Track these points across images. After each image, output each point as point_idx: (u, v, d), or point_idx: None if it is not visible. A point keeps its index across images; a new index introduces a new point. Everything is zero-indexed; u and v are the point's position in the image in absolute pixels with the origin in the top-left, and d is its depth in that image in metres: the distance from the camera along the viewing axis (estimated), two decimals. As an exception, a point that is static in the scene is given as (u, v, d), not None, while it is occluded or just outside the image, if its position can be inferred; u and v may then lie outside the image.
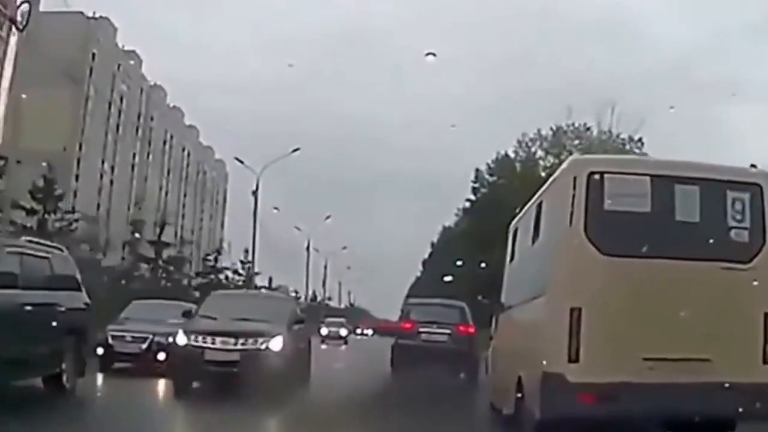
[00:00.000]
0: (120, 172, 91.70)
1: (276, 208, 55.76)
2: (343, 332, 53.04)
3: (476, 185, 52.48)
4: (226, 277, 53.28)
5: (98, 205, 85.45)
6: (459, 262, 55.64)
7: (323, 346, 39.71)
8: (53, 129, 77.44)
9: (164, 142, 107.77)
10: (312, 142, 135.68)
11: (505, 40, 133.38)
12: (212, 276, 50.33)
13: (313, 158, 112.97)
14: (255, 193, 47.55)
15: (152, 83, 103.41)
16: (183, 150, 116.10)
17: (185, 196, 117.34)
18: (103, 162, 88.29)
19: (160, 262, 44.32)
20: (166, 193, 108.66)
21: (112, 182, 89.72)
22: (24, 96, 77.67)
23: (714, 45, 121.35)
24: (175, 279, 45.63)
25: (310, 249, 73.73)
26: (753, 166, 8.84)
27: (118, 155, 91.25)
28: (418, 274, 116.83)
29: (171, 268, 45.48)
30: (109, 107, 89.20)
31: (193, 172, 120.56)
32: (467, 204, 53.64)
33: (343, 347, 46.64)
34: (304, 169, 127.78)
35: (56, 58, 75.85)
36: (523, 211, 11.32)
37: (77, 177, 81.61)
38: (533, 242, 10.12)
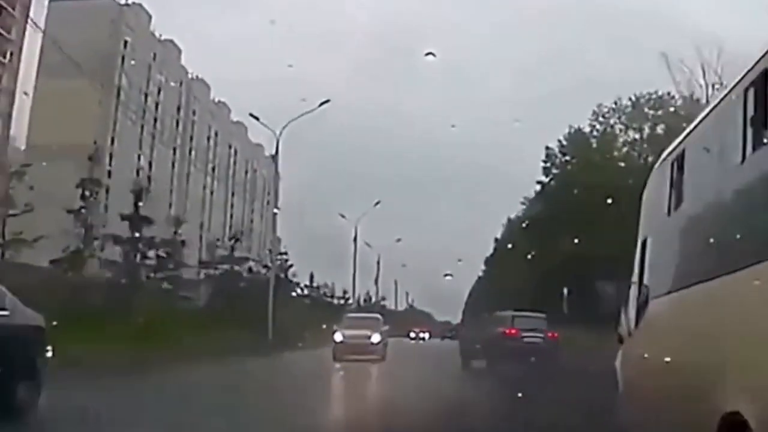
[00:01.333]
0: (158, 169, 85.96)
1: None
2: (376, 338, 31.84)
3: (547, 165, 45.01)
4: (250, 270, 48.04)
5: (135, 205, 79.78)
6: (528, 254, 48.15)
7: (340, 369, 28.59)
8: (82, 122, 72.03)
9: (208, 138, 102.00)
10: (362, 132, 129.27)
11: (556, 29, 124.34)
12: (226, 266, 44.65)
13: (363, 149, 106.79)
14: (275, 156, 43.73)
15: (193, 76, 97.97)
16: (230, 147, 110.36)
17: (233, 195, 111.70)
18: (139, 157, 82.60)
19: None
20: (212, 193, 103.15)
21: (150, 179, 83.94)
22: (51, 88, 72.27)
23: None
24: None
25: (358, 240, 66.28)
26: None
27: (156, 151, 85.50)
28: (480, 273, 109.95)
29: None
30: (145, 99, 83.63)
31: (241, 171, 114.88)
32: (538, 187, 46.15)
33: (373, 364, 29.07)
34: (354, 162, 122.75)
35: (85, 46, 70.30)
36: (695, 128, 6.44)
37: (110, 173, 76.00)
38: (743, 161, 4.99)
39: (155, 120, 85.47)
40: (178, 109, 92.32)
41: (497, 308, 66.63)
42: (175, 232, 42.34)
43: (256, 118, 43.41)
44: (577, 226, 40.83)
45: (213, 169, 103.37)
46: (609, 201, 43.00)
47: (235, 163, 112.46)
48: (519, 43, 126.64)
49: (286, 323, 41.83)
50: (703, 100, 39.91)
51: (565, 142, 44.66)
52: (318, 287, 70.61)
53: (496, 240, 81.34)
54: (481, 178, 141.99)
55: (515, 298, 50.41)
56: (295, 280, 67.00)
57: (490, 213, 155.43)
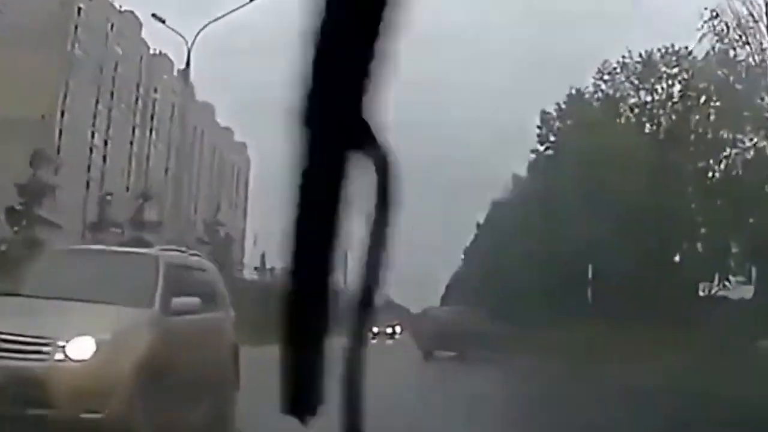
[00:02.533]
0: (114, 147, 79.66)
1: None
2: None
3: (542, 131, 39.46)
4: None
5: (87, 183, 73.70)
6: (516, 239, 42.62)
7: None
8: (28, 94, 65.74)
9: (171, 119, 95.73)
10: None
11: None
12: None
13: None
14: (185, 70, 35.06)
15: (155, 51, 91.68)
16: (195, 129, 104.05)
17: (199, 179, 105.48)
18: (93, 135, 76.26)
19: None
20: (174, 176, 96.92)
21: (105, 159, 77.71)
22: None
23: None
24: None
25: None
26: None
27: (113, 129, 79.19)
28: (460, 262, 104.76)
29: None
30: (101, 72, 77.28)
31: (208, 155, 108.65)
32: (532, 156, 40.54)
33: None
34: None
35: (35, 11, 64.11)
36: None
37: (59, 149, 69.74)
38: None
39: (111, 95, 79.14)
40: (138, 85, 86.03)
41: (480, 299, 61.35)
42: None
43: (161, 21, 33.76)
44: (578, 202, 35.49)
45: (177, 151, 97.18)
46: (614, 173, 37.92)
47: (201, 146, 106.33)
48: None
49: None
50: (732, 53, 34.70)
51: (563, 106, 39.27)
52: (272, 269, 65.03)
53: (478, 225, 75.88)
54: (459, 166, 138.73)
55: (505, 288, 45.20)
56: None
57: (469, 201, 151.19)
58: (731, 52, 34.44)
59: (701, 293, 36.89)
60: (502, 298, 40.23)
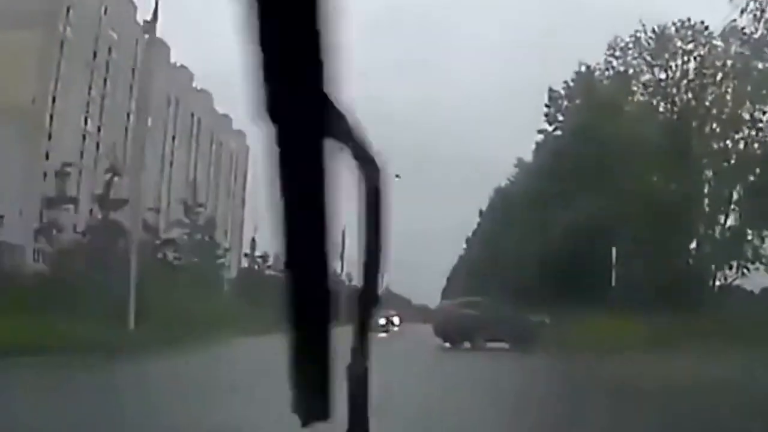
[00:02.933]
0: (108, 133, 77.65)
1: None
2: None
3: (550, 111, 37.50)
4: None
5: (80, 172, 71.75)
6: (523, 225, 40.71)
7: None
8: (18, 77, 63.85)
9: (167, 105, 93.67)
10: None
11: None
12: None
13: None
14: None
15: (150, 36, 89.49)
16: (192, 116, 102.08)
17: (196, 168, 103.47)
18: (86, 120, 74.29)
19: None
20: (171, 164, 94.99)
21: (98, 145, 75.74)
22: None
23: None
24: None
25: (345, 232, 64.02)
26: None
27: (106, 114, 77.18)
28: (462, 253, 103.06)
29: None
30: (94, 57, 75.25)
31: (205, 143, 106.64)
32: (539, 137, 38.53)
33: None
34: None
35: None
36: None
37: (50, 135, 67.91)
38: None
39: (105, 81, 77.09)
40: (133, 71, 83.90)
41: (485, 288, 59.53)
42: None
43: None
44: (588, 185, 33.70)
45: (173, 138, 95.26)
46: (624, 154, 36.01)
47: (198, 133, 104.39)
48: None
49: (178, 304, 29.51)
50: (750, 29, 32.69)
51: (572, 83, 37.31)
52: (262, 257, 62.38)
53: (481, 213, 74.06)
54: (459, 157, 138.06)
55: (514, 276, 43.35)
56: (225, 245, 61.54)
57: (472, 189, 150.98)
58: (750, 28, 32.52)
59: (718, 282, 35.13)
60: (511, 287, 38.48)
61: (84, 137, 72.49)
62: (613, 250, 34.55)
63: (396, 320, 61.17)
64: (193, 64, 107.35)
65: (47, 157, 67.18)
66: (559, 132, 37.41)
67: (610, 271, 33.58)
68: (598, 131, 34.79)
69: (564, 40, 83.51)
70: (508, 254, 42.77)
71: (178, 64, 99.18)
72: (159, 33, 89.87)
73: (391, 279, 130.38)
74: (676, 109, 35.74)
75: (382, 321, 53.97)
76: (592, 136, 34.58)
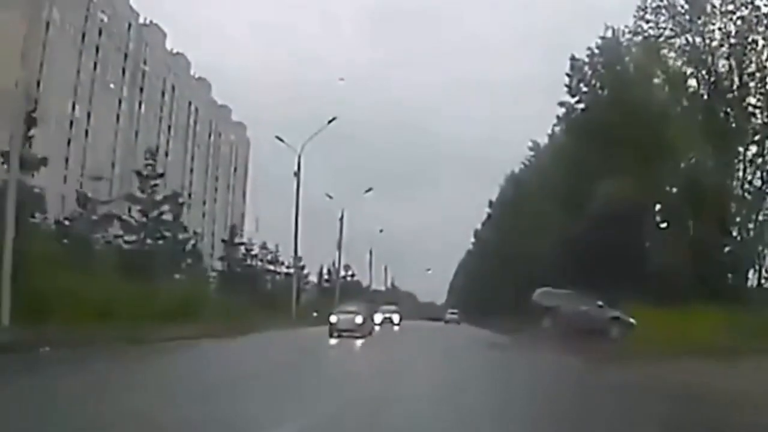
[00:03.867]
0: (99, 121, 73.88)
1: (329, 196, 56.94)
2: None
3: (572, 81, 33.46)
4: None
5: (66, 160, 68.06)
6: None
7: None
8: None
9: (163, 93, 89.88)
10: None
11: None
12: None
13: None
14: (297, 173, 42.67)
15: (145, 21, 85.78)
16: (189, 105, 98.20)
17: (193, 159, 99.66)
18: (74, 106, 70.50)
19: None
20: (167, 154, 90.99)
21: (87, 133, 72.01)
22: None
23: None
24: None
25: (344, 220, 59.38)
26: None
27: (96, 100, 73.39)
28: (470, 247, 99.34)
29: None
30: (83, 39, 71.46)
31: (203, 133, 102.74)
32: (561, 111, 34.45)
33: None
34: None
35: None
36: None
37: (34, 121, 64.03)
38: None
39: (95, 65, 73.30)
40: (126, 56, 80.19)
41: (497, 281, 55.52)
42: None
43: (281, 140, 43.31)
44: (616, 165, 29.77)
45: (169, 128, 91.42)
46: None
47: (195, 123, 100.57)
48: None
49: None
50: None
51: (596, 51, 33.31)
52: (265, 249, 57.47)
53: (491, 204, 70.18)
54: (472, 162, 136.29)
55: (528, 268, 39.52)
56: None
57: (481, 183, 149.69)
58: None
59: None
60: (532, 278, 34.55)
61: (71, 123, 68.69)
62: (647, 234, 30.73)
63: (395, 318, 52.96)
64: (192, 51, 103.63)
65: (30, 145, 63.45)
66: (582, 105, 33.44)
67: (644, 259, 29.68)
68: (627, 103, 30.90)
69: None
70: (523, 245, 38.90)
71: (174, 51, 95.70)
72: (155, 17, 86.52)
73: (397, 275, 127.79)
74: (713, 78, 31.73)
75: (378, 318, 47.96)
76: (621, 109, 30.67)
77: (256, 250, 54.22)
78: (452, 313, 79.11)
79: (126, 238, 35.37)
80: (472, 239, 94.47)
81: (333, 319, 33.07)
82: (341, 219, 58.00)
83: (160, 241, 35.74)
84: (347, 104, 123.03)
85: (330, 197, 57.95)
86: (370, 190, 58.07)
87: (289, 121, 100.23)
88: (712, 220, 30.70)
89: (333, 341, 28.00)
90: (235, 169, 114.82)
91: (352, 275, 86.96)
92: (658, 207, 31.59)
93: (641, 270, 29.13)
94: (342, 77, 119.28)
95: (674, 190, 30.74)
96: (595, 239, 29.15)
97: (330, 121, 39.22)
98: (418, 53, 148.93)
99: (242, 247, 52.60)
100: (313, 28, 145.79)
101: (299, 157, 39.03)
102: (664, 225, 30.93)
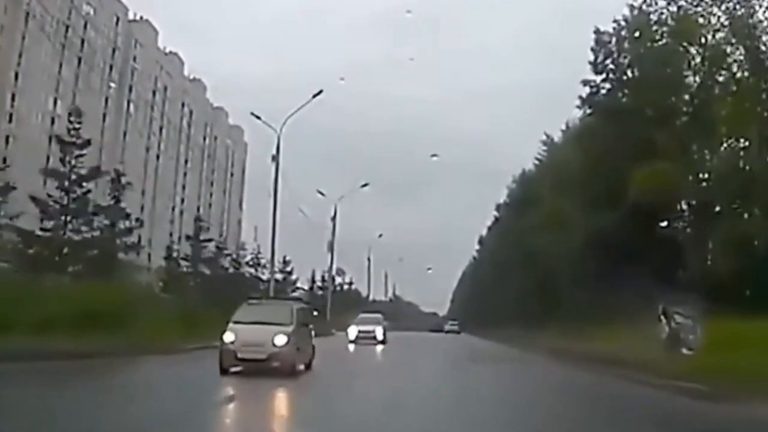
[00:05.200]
0: (83, 119, 69.69)
1: (321, 193, 51.30)
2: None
3: (597, 56, 29.35)
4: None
5: (48, 158, 63.89)
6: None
7: None
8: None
9: (154, 93, 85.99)
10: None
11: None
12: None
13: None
14: (276, 157, 34.35)
15: (135, 16, 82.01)
16: (183, 107, 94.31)
17: (186, 163, 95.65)
18: (55, 102, 66.49)
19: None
20: (158, 157, 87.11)
21: (69, 132, 67.87)
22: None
23: None
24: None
25: (337, 218, 54.00)
26: None
27: (80, 97, 69.36)
28: (474, 255, 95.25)
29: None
30: (66, 32, 67.52)
31: (197, 136, 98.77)
32: (586, 90, 30.17)
33: None
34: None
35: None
36: None
37: (10, 117, 60.19)
38: None
39: (79, 60, 69.33)
40: (113, 51, 76.30)
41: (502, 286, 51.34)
42: None
43: (258, 117, 35.28)
44: (650, 150, 25.71)
45: (160, 129, 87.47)
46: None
47: (189, 125, 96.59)
48: None
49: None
50: None
51: (624, 23, 29.16)
52: (244, 250, 50.63)
53: (498, 207, 66.05)
54: (475, 171, 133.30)
55: (546, 271, 35.45)
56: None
57: (478, 198, 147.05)
58: None
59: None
60: (549, 280, 30.46)
61: (53, 120, 64.64)
62: (686, 228, 26.63)
63: (378, 332, 35.79)
64: (186, 51, 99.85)
65: (6, 141, 59.58)
66: (608, 85, 29.33)
67: (684, 257, 25.57)
68: (661, 81, 26.87)
69: None
70: (539, 245, 34.82)
71: (167, 50, 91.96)
72: (146, 13, 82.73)
73: (399, 285, 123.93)
74: (762, 55, 27.58)
75: (353, 332, 35.44)
76: (654, 87, 26.64)
77: (230, 250, 48.32)
78: (452, 325, 77.37)
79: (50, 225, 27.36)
80: (477, 246, 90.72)
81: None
82: (333, 217, 52.87)
83: (91, 230, 27.70)
84: (346, 105, 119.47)
85: (322, 194, 52.51)
86: (366, 185, 52.88)
87: (289, 123, 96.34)
88: (762, 210, 26.52)
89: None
90: (232, 174, 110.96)
91: (350, 283, 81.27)
92: (696, 196, 27.41)
93: (681, 270, 25.10)
94: (342, 77, 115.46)
95: (720, 178, 26.54)
96: (627, 235, 25.14)
97: (315, 95, 33.83)
98: (418, 58, 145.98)
99: (211, 245, 43.18)
100: (313, 30, 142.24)
101: (278, 139, 34.05)
102: (704, 216, 26.74)
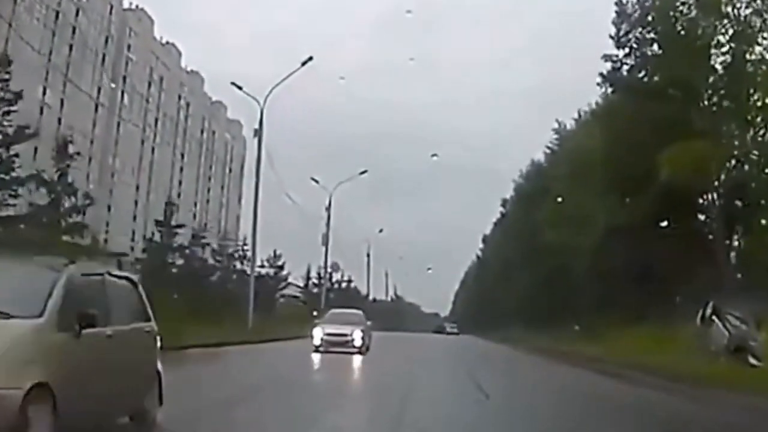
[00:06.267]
0: (74, 109, 67.29)
1: (315, 180, 47.40)
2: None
3: (619, 28, 26.58)
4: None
5: (36, 150, 61.29)
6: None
7: None
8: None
9: (149, 84, 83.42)
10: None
11: None
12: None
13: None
14: (259, 131, 31.62)
15: (131, 5, 79.52)
16: (180, 99, 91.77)
17: (183, 157, 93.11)
18: (44, 91, 63.94)
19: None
20: (153, 150, 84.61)
21: (60, 121, 65.38)
22: None
23: None
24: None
25: (331, 209, 50.24)
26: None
27: (72, 86, 66.76)
28: (479, 252, 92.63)
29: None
30: (56, 18, 64.97)
31: (195, 129, 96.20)
32: (607, 66, 27.33)
33: None
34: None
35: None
36: None
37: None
38: None
39: (70, 48, 66.77)
40: (107, 40, 73.73)
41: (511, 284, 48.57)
42: None
43: (239, 87, 31.54)
44: (682, 130, 23.13)
45: (156, 121, 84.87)
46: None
47: (186, 118, 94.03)
48: None
49: None
50: None
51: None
52: (228, 240, 47.41)
53: (504, 203, 63.48)
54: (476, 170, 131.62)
55: (560, 264, 32.83)
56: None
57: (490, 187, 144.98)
58: None
59: None
60: (563, 275, 27.95)
61: (42, 110, 62.08)
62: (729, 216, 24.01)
63: (356, 337, 24.29)
64: (184, 43, 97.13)
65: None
66: (630, 60, 26.65)
67: (728, 249, 22.99)
68: (690, 56, 24.29)
69: None
70: (553, 239, 32.16)
71: (164, 40, 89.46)
72: (142, 2, 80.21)
73: (401, 286, 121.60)
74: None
75: (318, 337, 23.89)
76: (682, 62, 24.05)
77: (210, 240, 43.83)
78: (452, 327, 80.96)
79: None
80: (480, 245, 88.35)
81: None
82: (329, 207, 49.01)
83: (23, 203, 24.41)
84: (346, 105, 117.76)
85: (316, 181, 48.66)
86: (364, 172, 49.19)
87: (285, 123, 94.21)
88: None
89: None
90: (230, 170, 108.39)
91: (349, 281, 77.91)
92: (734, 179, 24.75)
93: (728, 263, 22.57)
94: (342, 77, 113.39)
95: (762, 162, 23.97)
96: (656, 223, 22.63)
97: (304, 63, 30.36)
98: (418, 58, 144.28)
99: (182, 231, 37.55)
100: (313, 29, 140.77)
101: (261, 112, 30.78)
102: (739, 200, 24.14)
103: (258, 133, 31.50)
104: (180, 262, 36.33)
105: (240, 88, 31.53)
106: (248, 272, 35.00)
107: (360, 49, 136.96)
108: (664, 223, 23.92)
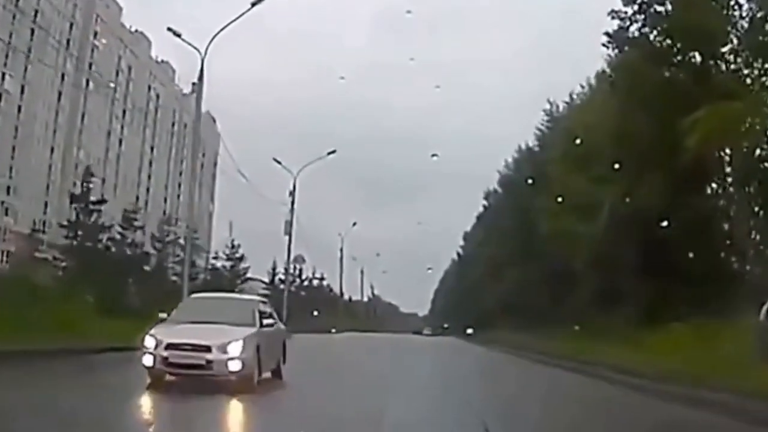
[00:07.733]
0: (35, 97, 63.88)
1: (278, 161, 43.81)
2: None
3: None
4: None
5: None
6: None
7: None
8: None
9: (117, 73, 80.00)
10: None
11: None
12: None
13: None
14: (198, 84, 27.09)
15: (100, -7, 76.09)
16: (149, 90, 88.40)
17: (152, 150, 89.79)
18: (3, 77, 60.58)
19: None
20: (120, 142, 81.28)
21: (20, 109, 61.99)
22: None
23: None
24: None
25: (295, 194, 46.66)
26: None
27: (33, 72, 63.40)
28: (459, 250, 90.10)
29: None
30: (16, 2, 61.53)
31: (165, 122, 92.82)
32: (608, 54, 24.60)
33: None
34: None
35: None
36: None
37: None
38: None
39: (32, 32, 63.33)
40: (71, 26, 70.35)
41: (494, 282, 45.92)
42: None
43: (278, 162, 35.38)
44: (691, 99, 20.58)
45: (124, 112, 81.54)
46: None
47: (156, 110, 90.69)
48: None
49: None
50: None
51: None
52: (171, 227, 43.65)
53: (487, 195, 60.91)
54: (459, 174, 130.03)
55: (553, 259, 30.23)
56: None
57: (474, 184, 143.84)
58: None
59: None
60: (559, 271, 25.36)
61: (0, 96, 58.77)
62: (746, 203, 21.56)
63: (231, 352, 11.77)
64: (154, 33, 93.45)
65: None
66: (642, 17, 23.85)
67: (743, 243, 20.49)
68: (708, 12, 21.74)
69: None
70: (549, 230, 29.59)
71: (132, 28, 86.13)
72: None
73: (378, 287, 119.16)
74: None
75: (151, 350, 11.68)
76: (700, 19, 21.47)
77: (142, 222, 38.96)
78: (428, 329, 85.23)
79: None
80: (461, 242, 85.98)
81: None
82: (292, 192, 44.91)
83: None
84: (345, 105, 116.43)
85: (279, 162, 44.20)
86: (333, 152, 44.59)
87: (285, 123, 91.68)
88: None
89: None
90: (202, 165, 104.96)
91: (322, 278, 74.74)
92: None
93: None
94: (342, 76, 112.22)
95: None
96: (676, 205, 20.07)
97: (254, 4, 26.42)
98: (418, 58, 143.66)
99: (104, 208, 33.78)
100: (312, 29, 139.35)
101: (202, 62, 26.70)
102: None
103: (198, 87, 28.07)
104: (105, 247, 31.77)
105: (179, 35, 27.49)
106: (196, 262, 30.99)
107: (360, 49, 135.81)
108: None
